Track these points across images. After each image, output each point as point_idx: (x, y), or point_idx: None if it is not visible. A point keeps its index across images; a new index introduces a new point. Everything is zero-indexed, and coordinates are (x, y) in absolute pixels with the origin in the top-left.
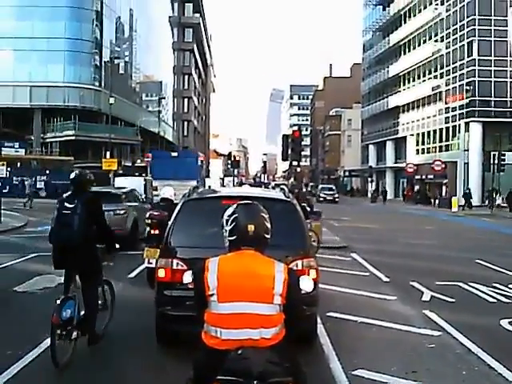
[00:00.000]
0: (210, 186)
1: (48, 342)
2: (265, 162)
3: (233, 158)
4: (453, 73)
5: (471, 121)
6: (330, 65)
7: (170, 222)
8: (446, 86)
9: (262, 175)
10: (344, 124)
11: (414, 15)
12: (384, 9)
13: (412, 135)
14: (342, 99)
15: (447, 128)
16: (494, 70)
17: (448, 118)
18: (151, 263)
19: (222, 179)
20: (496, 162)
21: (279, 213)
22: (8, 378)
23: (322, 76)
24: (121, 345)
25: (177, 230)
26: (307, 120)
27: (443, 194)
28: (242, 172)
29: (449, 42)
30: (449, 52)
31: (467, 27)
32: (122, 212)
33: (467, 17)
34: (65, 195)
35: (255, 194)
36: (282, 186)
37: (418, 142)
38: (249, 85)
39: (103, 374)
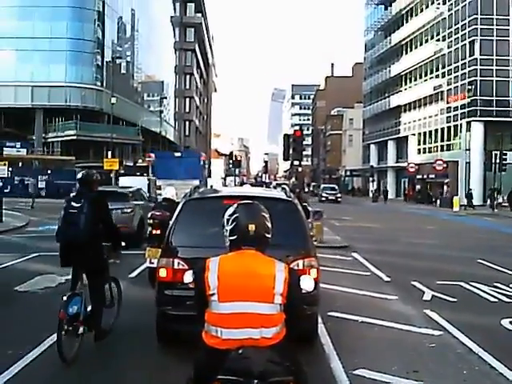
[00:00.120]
0: (212, 186)
1: (49, 341)
2: (266, 162)
3: (234, 158)
4: (454, 72)
5: (473, 120)
6: (332, 64)
7: (171, 222)
8: (448, 85)
9: (264, 175)
10: (345, 123)
11: (416, 14)
12: (386, 8)
13: (413, 135)
14: (343, 99)
15: (449, 127)
16: (496, 70)
17: (450, 117)
18: (153, 263)
19: (224, 179)
20: (497, 161)
21: (280, 212)
22: (8, 377)
23: (324, 75)
24: (121, 344)
25: (178, 230)
26: (309, 120)
27: (444, 193)
28: (243, 172)
29: (450, 42)
30: (450, 51)
31: (469, 26)
32: (128, 210)
33: (469, 16)
34: (72, 195)
35: (256, 193)
36: (283, 186)
37: (419, 141)
38: (250, 84)
39: (103, 373)
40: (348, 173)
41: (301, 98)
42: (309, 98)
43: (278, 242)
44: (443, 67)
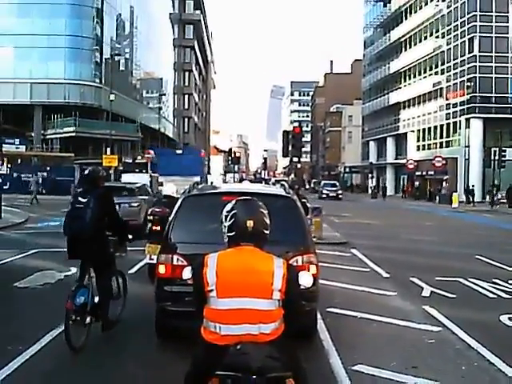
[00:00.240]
0: (212, 182)
1: (48, 337)
2: (265, 159)
3: (233, 155)
4: (453, 69)
5: (472, 117)
6: (331, 61)
7: (170, 218)
8: (447, 82)
9: (263, 171)
10: (345, 120)
11: (415, 11)
12: (385, 5)
13: (413, 131)
14: (342, 95)
15: (448, 124)
16: (495, 67)
17: (449, 114)
18: (152, 259)
19: (224, 175)
20: (496, 158)
21: (279, 209)
22: (8, 373)
23: (323, 72)
24: (121, 340)
25: (177, 226)
26: (308, 116)
27: (441, 190)
28: (242, 168)
29: (450, 39)
30: (450, 48)
31: (468, 23)
32: (135, 204)
33: (468, 13)
34: (79, 190)
35: (255, 190)
36: (282, 182)
37: (418, 138)
38: (249, 81)
39: (102, 369)
40: (347, 169)
41: (300, 95)
42: (308, 95)
43: (277, 238)
44: (442, 64)
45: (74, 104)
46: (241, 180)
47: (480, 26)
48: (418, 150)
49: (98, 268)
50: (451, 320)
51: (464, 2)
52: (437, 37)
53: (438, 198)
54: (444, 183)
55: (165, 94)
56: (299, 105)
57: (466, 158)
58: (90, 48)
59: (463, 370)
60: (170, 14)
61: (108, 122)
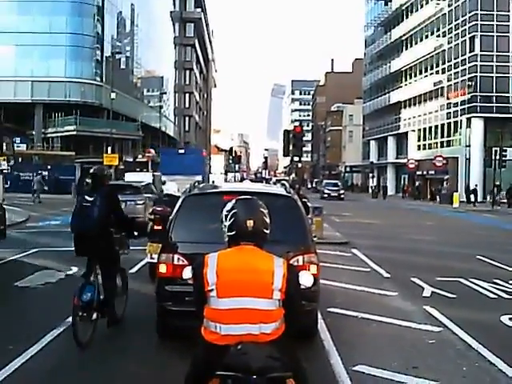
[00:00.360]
0: (213, 181)
1: (49, 337)
2: (266, 158)
3: (234, 154)
4: (454, 68)
5: (473, 116)
6: (332, 60)
7: (171, 217)
8: (448, 81)
9: (264, 171)
10: (345, 119)
11: (416, 10)
12: (386, 4)
13: (413, 131)
14: (343, 94)
15: (449, 123)
16: (496, 66)
17: (450, 113)
18: (153, 258)
19: (225, 174)
20: (497, 157)
21: (280, 208)
22: (8, 373)
23: (324, 71)
24: (121, 339)
25: (178, 225)
26: (309, 115)
27: (442, 190)
28: (243, 167)
29: (451, 37)
30: (451, 47)
31: (469, 22)
32: (141, 202)
33: (469, 12)
34: (85, 189)
35: (256, 189)
36: (282, 182)
37: (419, 137)
38: (250, 80)
39: (103, 369)
40: (348, 169)
41: (301, 94)
42: (309, 94)
43: (278, 237)
44: (443, 63)
45: (75, 102)
46: (241, 179)
47: (481, 24)
48: (419, 149)
49: (105, 265)
50: (452, 320)
51: (465, 0)
52: (438, 36)
53: (438, 197)
54: (445, 183)
55: (166, 93)
56: (300, 104)
57: (467, 157)
58: (90, 46)
59: (464, 371)
60: (171, 12)
61: (109, 120)
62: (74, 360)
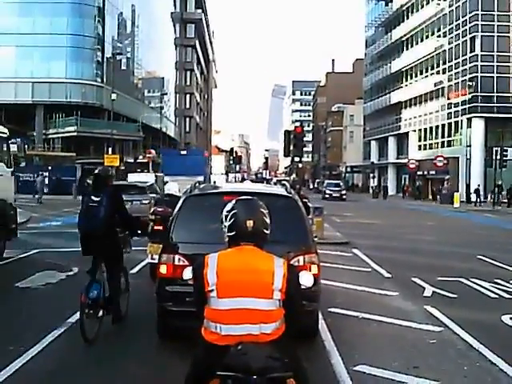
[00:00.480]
0: (215, 182)
1: (49, 338)
2: (267, 158)
3: (235, 154)
4: (455, 68)
5: (473, 116)
6: (333, 60)
7: (171, 218)
8: (449, 81)
9: (264, 171)
10: (346, 120)
11: (417, 10)
12: (386, 4)
13: (414, 131)
14: (344, 95)
15: (449, 124)
16: (497, 66)
17: (450, 113)
18: (154, 259)
19: (227, 175)
20: (498, 157)
21: (281, 209)
22: (8, 374)
23: (324, 72)
24: (122, 339)
25: (178, 226)
26: (309, 116)
27: (443, 190)
28: (243, 168)
29: (451, 38)
30: (451, 47)
31: (470, 22)
32: (146, 202)
33: (470, 12)
34: (89, 189)
35: (257, 189)
36: (283, 182)
37: (420, 137)
38: (251, 80)
39: (103, 369)
40: (348, 169)
41: (301, 94)
42: (309, 95)
43: (279, 238)
44: (444, 63)
45: (76, 103)
46: (242, 180)
47: (482, 25)
48: (420, 149)
49: (110, 263)
50: (453, 320)
51: (466, 0)
52: (438, 36)
53: (439, 197)
54: (445, 183)
55: (166, 94)
56: (301, 104)
57: (468, 157)
58: (91, 47)
59: (465, 370)
60: (172, 13)
61: (110, 121)
62: (75, 361)
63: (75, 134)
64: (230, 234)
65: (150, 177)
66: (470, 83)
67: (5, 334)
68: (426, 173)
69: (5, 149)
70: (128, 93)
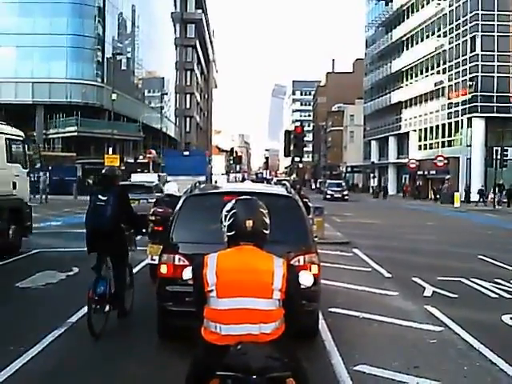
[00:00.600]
0: (216, 182)
1: (50, 337)
2: (267, 158)
3: (235, 154)
4: (455, 68)
5: (474, 116)
6: (333, 60)
7: (171, 218)
8: (449, 81)
9: (264, 171)
10: (346, 120)
11: (417, 10)
12: (387, 4)
13: (414, 131)
14: (344, 95)
15: (450, 123)
16: (497, 66)
17: (451, 113)
18: (154, 260)
19: (228, 175)
20: (498, 157)
21: (281, 208)
22: (9, 374)
23: (325, 71)
24: (122, 340)
25: (179, 226)
26: (309, 116)
27: (443, 189)
28: (244, 168)
29: (452, 37)
30: (451, 47)
31: (470, 22)
32: (152, 200)
33: (470, 12)
34: (96, 188)
35: (257, 189)
36: (283, 182)
37: (420, 137)
38: (251, 80)
39: (103, 369)
40: (349, 169)
41: (302, 94)
42: (310, 94)
43: (279, 238)
44: (444, 63)
45: (76, 103)
46: (242, 180)
47: (482, 24)
48: (420, 149)
49: (116, 260)
50: (453, 320)
51: (466, 0)
52: (438, 36)
53: (439, 197)
54: (446, 182)
55: (167, 94)
56: (301, 104)
57: (468, 157)
58: (91, 47)
59: (465, 370)
60: (172, 13)
61: (110, 121)
62: (75, 361)
63: (75, 134)
64: (229, 233)
65: (152, 177)
66: (471, 83)
67: (5, 334)
68: (426, 173)
69: (21, 151)
70: (128, 93)
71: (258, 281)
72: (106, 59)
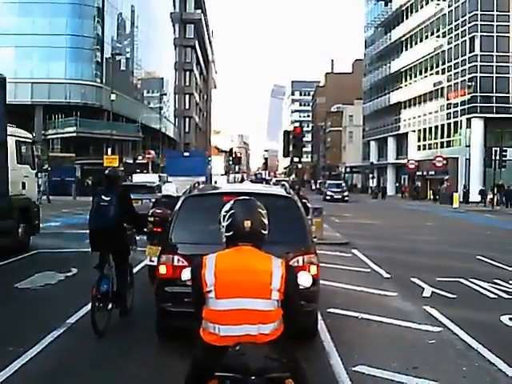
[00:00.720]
0: (216, 182)
1: (49, 338)
2: (266, 159)
3: (234, 155)
4: (454, 68)
5: (473, 117)
6: (332, 61)
7: (170, 218)
8: (448, 81)
9: (264, 171)
10: (345, 120)
11: (416, 11)
12: (386, 4)
13: (413, 131)
14: (343, 95)
15: (449, 124)
16: (496, 66)
17: (450, 113)
18: (153, 261)
19: (227, 175)
20: (497, 157)
21: (280, 209)
22: (8, 375)
23: (324, 72)
24: (121, 341)
25: (178, 227)
26: (308, 116)
27: (440, 190)
28: (243, 168)
29: (451, 38)
30: (451, 48)
31: (469, 23)
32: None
33: (469, 12)
34: (99, 189)
35: (256, 190)
36: (282, 183)
37: (419, 138)
38: (250, 81)
39: (103, 369)
40: (348, 169)
41: (301, 95)
42: (309, 95)
43: (278, 238)
44: (443, 63)
45: (75, 104)
46: (242, 180)
47: (481, 25)
48: (419, 149)
49: (118, 259)
50: (452, 320)
51: (465, 1)
52: (438, 36)
53: (438, 197)
54: (445, 183)
55: (166, 94)
56: (300, 104)
57: (467, 157)
58: (90, 48)
59: (464, 371)
60: (171, 13)
61: (109, 121)
62: (74, 361)
63: (74, 134)
64: (227, 234)
65: (153, 177)
66: (470, 83)
67: (4, 334)
68: (425, 173)
69: (30, 152)
70: (127, 93)
71: (257, 281)
72: (105, 59)
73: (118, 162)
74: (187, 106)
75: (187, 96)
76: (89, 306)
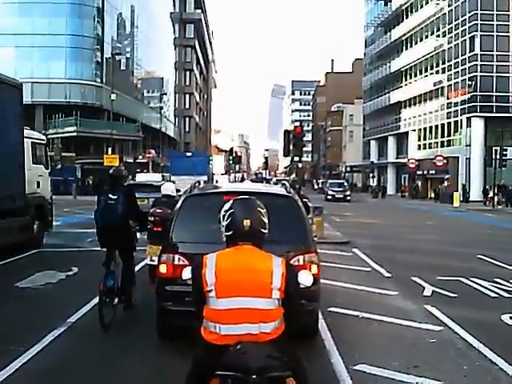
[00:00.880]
0: (217, 181)
1: (49, 337)
2: (266, 158)
3: (234, 154)
4: (455, 68)
5: (473, 116)
6: (332, 60)
7: (171, 217)
8: (448, 81)
9: (264, 171)
10: (346, 119)
11: (416, 10)
12: (386, 4)
13: (414, 130)
14: (343, 95)
15: (449, 123)
16: (496, 65)
17: (450, 113)
18: (153, 260)
19: (228, 175)
20: (498, 157)
21: (280, 208)
22: (8, 374)
23: (324, 71)
24: (122, 340)
25: (178, 226)
26: (309, 116)
27: (441, 189)
28: (243, 168)
29: (451, 37)
30: (451, 47)
31: (469, 22)
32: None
33: (469, 11)
34: (105, 188)
35: (256, 189)
36: (283, 182)
37: (419, 137)
38: (250, 80)
39: (103, 369)
40: (348, 169)
41: (301, 94)
42: (309, 94)
43: (279, 237)
44: (443, 63)
45: (75, 104)
46: (242, 180)
47: (481, 24)
48: (419, 149)
49: (125, 255)
50: (453, 319)
51: (465, 0)
52: (438, 35)
53: (438, 196)
54: (445, 182)
55: (166, 94)
56: (300, 104)
57: (467, 157)
58: (90, 47)
59: (465, 370)
60: (171, 13)
61: (109, 121)
62: (75, 360)
63: (75, 134)
64: (227, 233)
65: (156, 176)
66: (470, 83)
67: (5, 333)
68: (425, 172)
69: (43, 153)
70: (127, 93)
71: (257, 280)
72: (105, 59)
73: (118, 162)
74: (187, 106)
75: (187, 95)
76: (89, 305)
